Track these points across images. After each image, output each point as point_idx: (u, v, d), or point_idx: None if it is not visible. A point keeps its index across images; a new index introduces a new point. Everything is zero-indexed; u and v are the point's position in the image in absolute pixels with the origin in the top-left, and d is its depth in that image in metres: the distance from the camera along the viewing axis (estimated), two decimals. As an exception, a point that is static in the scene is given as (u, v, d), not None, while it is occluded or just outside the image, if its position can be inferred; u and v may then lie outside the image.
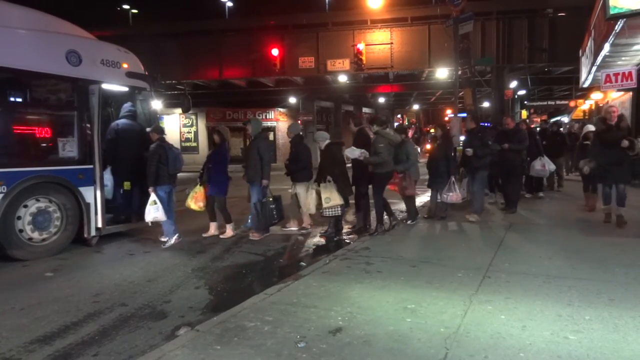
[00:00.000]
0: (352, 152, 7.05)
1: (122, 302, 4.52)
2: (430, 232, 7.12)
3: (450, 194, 7.72)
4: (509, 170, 8.55)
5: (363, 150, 6.98)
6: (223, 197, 7.34)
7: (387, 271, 5.00)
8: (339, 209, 7.04)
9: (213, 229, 7.44)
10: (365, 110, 39.07)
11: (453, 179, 7.75)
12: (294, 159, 7.71)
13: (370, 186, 7.37)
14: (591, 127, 8.73)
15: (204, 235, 7.36)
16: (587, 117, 23.91)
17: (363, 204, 7.57)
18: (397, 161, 7.27)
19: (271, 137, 29.05)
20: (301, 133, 8.17)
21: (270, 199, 7.15)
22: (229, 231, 7.34)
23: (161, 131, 7.07)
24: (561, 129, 14.99)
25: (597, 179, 7.49)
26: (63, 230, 6.56)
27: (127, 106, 7.71)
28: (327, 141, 7.47)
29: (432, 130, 8.76)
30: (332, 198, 6.93)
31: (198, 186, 7.32)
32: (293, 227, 7.84)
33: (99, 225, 6.89)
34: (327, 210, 6.98)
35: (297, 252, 6.61)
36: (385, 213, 7.27)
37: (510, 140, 8.40)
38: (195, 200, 7.27)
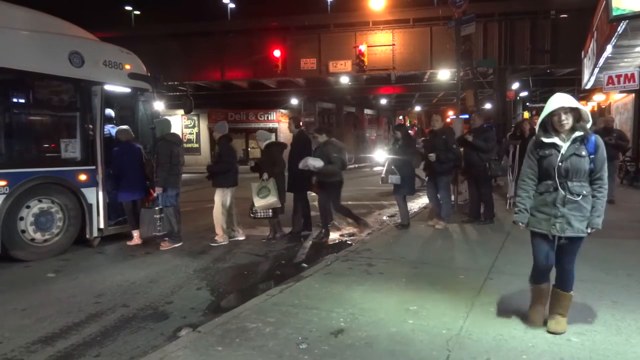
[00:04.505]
0: (318, 161, 6.74)
1: (124, 303, 4.52)
2: (432, 235, 7.10)
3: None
4: (474, 175, 7.61)
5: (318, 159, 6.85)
6: (127, 201, 6.97)
7: (388, 273, 5.00)
8: (270, 211, 6.96)
9: (136, 237, 7.05)
10: (367, 111, 39.09)
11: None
12: (217, 160, 7.21)
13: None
14: (572, 102, 3.26)
15: (128, 243, 6.98)
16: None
17: (301, 208, 7.44)
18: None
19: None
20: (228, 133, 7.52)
21: (157, 209, 6.64)
22: (136, 239, 7.02)
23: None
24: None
25: None
26: (65, 231, 6.57)
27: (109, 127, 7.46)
28: (268, 141, 7.33)
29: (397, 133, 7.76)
30: (271, 194, 6.77)
31: None
32: (240, 237, 7.30)
33: (101, 226, 6.91)
34: (260, 211, 6.90)
35: (299, 253, 6.60)
36: (350, 217, 7.36)
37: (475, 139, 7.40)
38: None
